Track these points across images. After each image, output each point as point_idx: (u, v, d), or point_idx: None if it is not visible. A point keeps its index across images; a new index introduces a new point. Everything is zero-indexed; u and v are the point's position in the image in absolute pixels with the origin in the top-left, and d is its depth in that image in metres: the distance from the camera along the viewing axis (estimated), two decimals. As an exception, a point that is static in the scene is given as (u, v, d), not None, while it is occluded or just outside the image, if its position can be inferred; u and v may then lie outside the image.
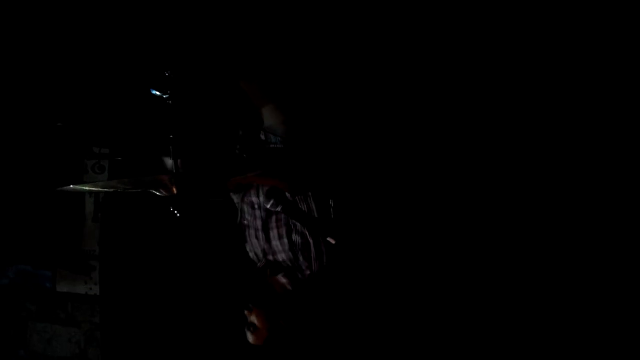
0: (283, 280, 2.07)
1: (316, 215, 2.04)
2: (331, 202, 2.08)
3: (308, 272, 2.06)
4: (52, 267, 3.30)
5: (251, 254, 2.24)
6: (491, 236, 2.53)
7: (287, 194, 2.02)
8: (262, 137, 2.13)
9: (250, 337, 2.07)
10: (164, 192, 1.89)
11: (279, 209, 1.97)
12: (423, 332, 2.59)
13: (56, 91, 2.93)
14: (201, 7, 2.39)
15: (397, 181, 2.60)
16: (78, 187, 2.41)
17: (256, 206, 2.16)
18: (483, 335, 2.54)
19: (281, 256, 2.11)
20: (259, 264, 2.19)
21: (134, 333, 3.12)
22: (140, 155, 2.86)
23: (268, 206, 1.98)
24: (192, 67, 2.31)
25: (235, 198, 2.27)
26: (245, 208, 2.21)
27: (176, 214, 1.81)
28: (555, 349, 2.46)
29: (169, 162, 1.83)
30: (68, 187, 2.03)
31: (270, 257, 2.13)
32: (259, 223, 2.15)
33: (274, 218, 2.11)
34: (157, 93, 1.88)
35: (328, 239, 1.95)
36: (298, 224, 2.05)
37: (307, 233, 2.04)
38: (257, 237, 2.16)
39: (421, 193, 2.59)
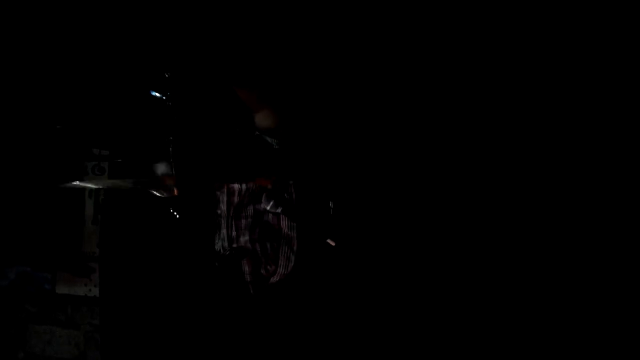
0: (245, 267, 2.06)
1: (315, 216, 2.01)
2: (331, 204, 2.06)
3: (271, 274, 2.05)
4: (52, 269, 3.30)
5: (217, 246, 2.21)
6: (491, 236, 2.53)
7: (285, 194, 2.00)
8: (259, 138, 2.12)
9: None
10: (164, 193, 1.89)
11: (279, 210, 1.97)
12: (423, 333, 2.59)
13: (56, 93, 2.93)
14: (200, 9, 2.39)
15: (397, 182, 2.60)
16: (82, 183, 2.42)
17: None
18: (483, 335, 2.54)
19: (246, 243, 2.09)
20: (226, 253, 2.18)
21: (134, 335, 3.12)
22: (140, 157, 2.86)
23: (268, 208, 1.98)
24: (191, 69, 2.31)
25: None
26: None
27: (176, 215, 1.81)
28: (555, 349, 2.46)
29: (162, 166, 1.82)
30: (71, 183, 2.03)
31: (235, 245, 2.12)
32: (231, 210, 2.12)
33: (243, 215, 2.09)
34: (157, 95, 1.89)
35: (328, 240, 1.94)
36: (270, 232, 2.03)
37: (282, 238, 2.03)
38: (227, 226, 2.15)
39: (421, 194, 2.59)
